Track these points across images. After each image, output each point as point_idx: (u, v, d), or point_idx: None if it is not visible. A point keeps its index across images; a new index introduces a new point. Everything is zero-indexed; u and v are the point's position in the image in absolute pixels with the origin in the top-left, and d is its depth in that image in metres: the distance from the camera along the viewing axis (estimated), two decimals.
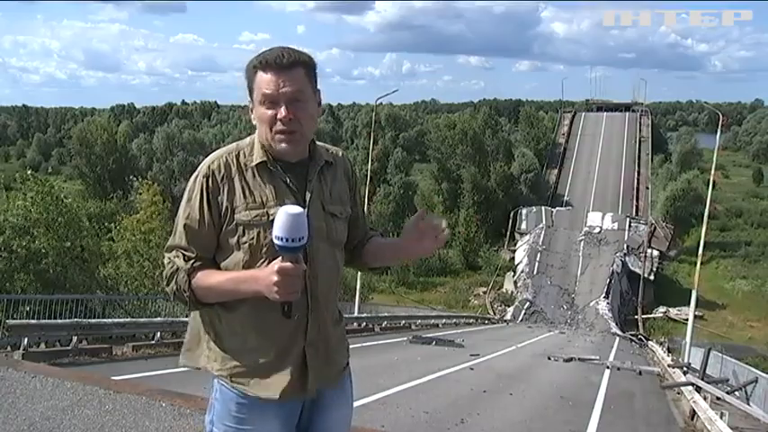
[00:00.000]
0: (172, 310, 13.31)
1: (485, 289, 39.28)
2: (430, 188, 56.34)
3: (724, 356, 15.78)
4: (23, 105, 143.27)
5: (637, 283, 37.81)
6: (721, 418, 8.23)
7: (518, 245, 43.98)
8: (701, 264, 24.29)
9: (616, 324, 32.25)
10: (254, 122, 1.64)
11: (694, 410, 9.43)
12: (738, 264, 43.07)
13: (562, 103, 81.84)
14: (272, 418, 1.65)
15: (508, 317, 33.38)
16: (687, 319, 23.93)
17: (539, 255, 40.22)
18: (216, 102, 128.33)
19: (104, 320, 10.54)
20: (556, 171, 57.35)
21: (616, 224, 43.36)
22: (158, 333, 10.44)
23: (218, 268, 1.63)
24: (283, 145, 1.60)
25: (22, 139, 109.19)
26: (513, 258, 42.71)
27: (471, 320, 28.86)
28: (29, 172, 16.62)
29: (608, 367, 14.60)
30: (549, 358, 15.73)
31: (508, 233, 46.14)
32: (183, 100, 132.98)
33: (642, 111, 69.44)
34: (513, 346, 17.77)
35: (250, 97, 1.62)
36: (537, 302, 35.23)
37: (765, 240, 47.33)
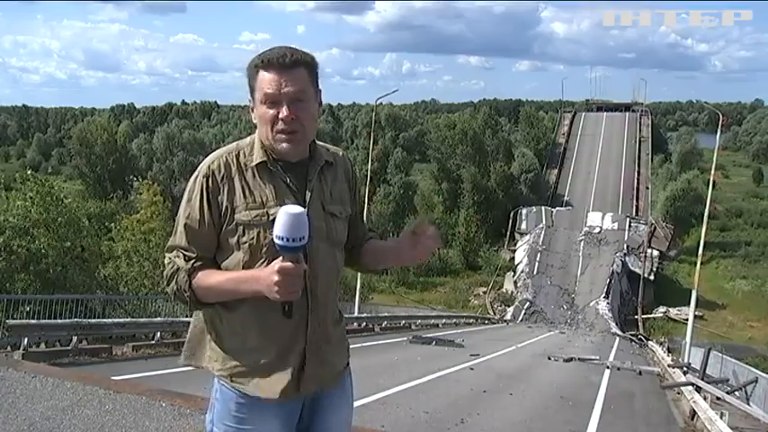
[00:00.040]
0: (172, 310, 13.31)
1: (485, 289, 39.28)
2: (430, 188, 56.34)
3: (724, 356, 15.78)
4: (23, 105, 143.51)
5: (637, 283, 37.81)
6: (721, 418, 8.23)
7: (518, 245, 43.99)
8: (701, 264, 24.28)
9: (616, 324, 32.25)
10: (254, 122, 1.64)
11: (694, 410, 9.43)
12: (738, 264, 43.07)
13: (562, 103, 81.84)
14: (272, 417, 1.65)
15: (508, 317, 33.38)
16: (687, 319, 23.92)
17: (539, 255, 40.22)
18: (216, 102, 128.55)
19: (104, 320, 10.53)
20: (556, 171, 57.36)
21: (616, 224, 43.36)
22: (158, 333, 10.44)
23: (219, 268, 1.63)
24: (284, 145, 1.60)
25: (22, 139, 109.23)
26: (513, 258, 42.71)
27: (471, 320, 28.86)
28: (29, 172, 16.62)
29: (608, 367, 14.60)
30: (549, 358, 15.73)
31: (508, 233, 46.14)
32: (183, 100, 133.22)
33: (642, 111, 69.43)
34: (513, 346, 17.77)
35: (251, 96, 1.62)
36: (537, 302, 35.23)
37: (765, 240, 47.32)
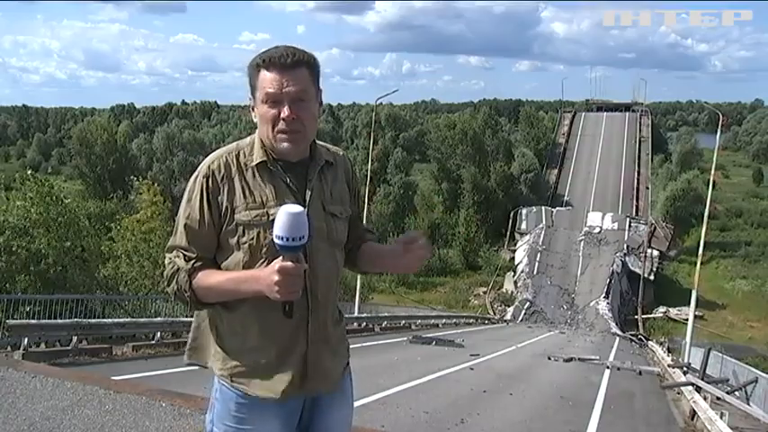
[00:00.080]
0: (172, 310, 13.32)
1: (485, 289, 39.28)
2: (430, 188, 56.34)
3: (724, 356, 15.78)
4: (23, 105, 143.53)
5: (637, 283, 37.81)
6: (721, 418, 8.23)
7: (518, 245, 43.99)
8: (701, 264, 24.28)
9: (616, 324, 32.25)
10: (255, 121, 1.63)
11: (694, 410, 9.43)
12: (738, 264, 43.07)
13: (562, 103, 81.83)
14: (272, 417, 1.65)
15: (508, 317, 33.38)
16: (687, 319, 23.92)
17: (539, 255, 40.22)
18: (216, 102, 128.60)
19: (104, 320, 10.53)
20: (556, 171, 57.36)
21: (616, 224, 43.36)
22: (158, 333, 10.44)
23: (219, 268, 1.63)
24: (285, 144, 1.60)
25: (22, 139, 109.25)
26: (513, 258, 42.71)
27: (471, 320, 28.86)
28: (29, 172, 16.62)
29: (608, 367, 14.60)
30: (549, 358, 15.73)
31: (508, 233, 46.13)
32: (183, 100, 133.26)
33: (642, 111, 69.43)
34: (513, 346, 17.77)
35: (252, 96, 1.62)
36: (537, 302, 35.23)
37: (765, 240, 47.32)
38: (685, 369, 14.43)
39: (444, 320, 25.63)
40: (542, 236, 42.44)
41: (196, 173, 1.64)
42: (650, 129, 64.65)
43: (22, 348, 8.22)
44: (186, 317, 11.33)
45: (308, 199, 1.62)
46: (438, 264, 43.23)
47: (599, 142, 62.10)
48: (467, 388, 9.81)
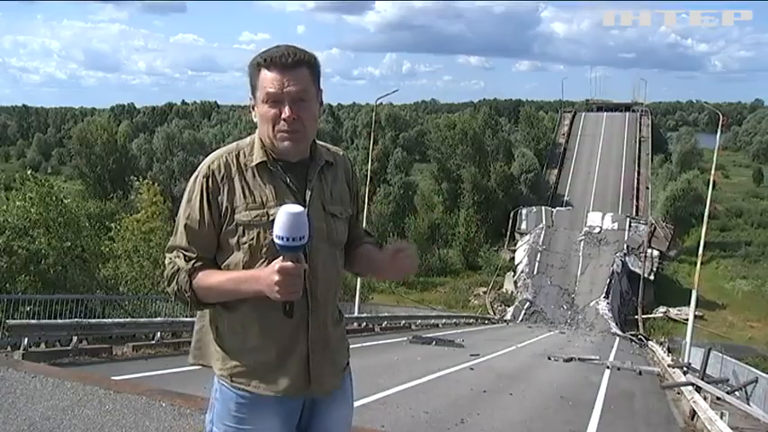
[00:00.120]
0: (172, 310, 13.32)
1: (485, 289, 39.28)
2: (430, 188, 56.35)
3: (724, 356, 15.78)
4: (23, 105, 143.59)
5: (637, 283, 37.81)
6: (721, 418, 8.23)
7: (518, 245, 43.99)
8: (701, 264, 24.27)
9: (616, 324, 32.25)
10: (255, 120, 1.63)
11: (694, 410, 9.43)
12: (738, 264, 43.08)
13: (562, 103, 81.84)
14: (272, 417, 1.65)
15: (508, 317, 33.38)
16: (687, 319, 23.92)
17: (539, 255, 40.22)
18: (216, 102, 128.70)
19: (104, 320, 10.52)
20: (556, 171, 57.36)
21: (616, 224, 43.36)
22: (158, 333, 10.43)
23: (220, 268, 1.62)
24: (286, 144, 1.60)
25: (22, 139, 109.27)
26: (513, 258, 42.72)
27: (471, 320, 28.86)
28: (29, 172, 16.62)
29: (608, 367, 14.60)
30: (549, 358, 15.73)
31: (508, 233, 46.14)
32: (183, 100, 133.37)
33: (642, 111, 69.44)
34: (513, 346, 17.77)
35: (252, 95, 1.62)
36: (537, 302, 35.23)
37: (765, 240, 47.33)
38: (685, 369, 14.43)
39: (444, 320, 25.63)
40: (542, 236, 42.45)
41: (196, 173, 1.64)
42: (650, 129, 64.66)
43: (22, 348, 8.22)
44: (186, 317, 11.33)
45: (308, 199, 1.62)
46: (438, 264, 43.29)
47: (599, 142, 62.10)
48: (467, 388, 9.81)
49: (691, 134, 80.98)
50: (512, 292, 38.02)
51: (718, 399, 10.75)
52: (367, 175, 30.78)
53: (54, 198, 15.43)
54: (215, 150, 1.70)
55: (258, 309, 1.59)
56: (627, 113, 70.31)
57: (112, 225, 18.83)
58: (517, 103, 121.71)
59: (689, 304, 24.04)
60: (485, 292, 38.71)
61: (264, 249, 1.58)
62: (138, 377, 7.04)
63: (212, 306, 1.64)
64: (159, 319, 11.89)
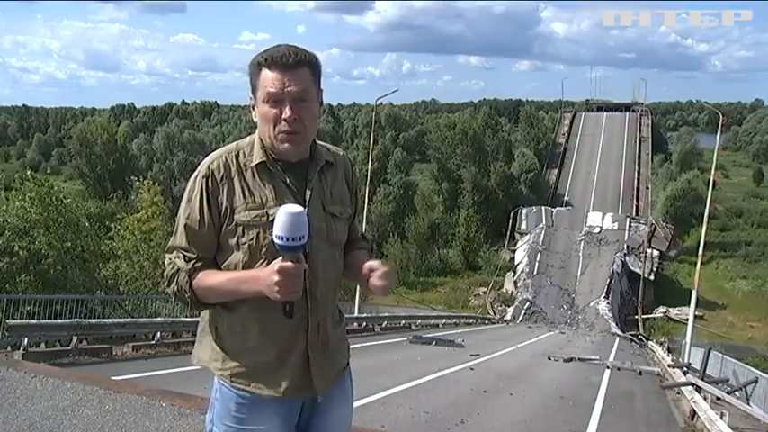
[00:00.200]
0: (172, 310, 13.31)
1: (485, 289, 39.27)
2: (430, 188, 56.37)
3: (724, 356, 15.77)
4: (23, 105, 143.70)
5: (637, 283, 37.79)
6: (721, 418, 8.22)
7: (518, 245, 43.98)
8: (701, 264, 24.26)
9: (616, 324, 32.24)
10: (255, 120, 1.63)
11: (694, 410, 9.43)
12: (738, 264, 43.08)
13: (562, 103, 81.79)
14: (271, 417, 1.65)
15: (508, 317, 33.37)
16: (687, 319, 23.90)
17: (539, 255, 40.20)
18: (216, 102, 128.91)
19: (104, 320, 10.52)
20: (556, 171, 57.35)
21: (616, 224, 43.35)
22: (158, 333, 10.43)
23: (219, 269, 1.62)
24: (286, 145, 1.59)
25: (22, 139, 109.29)
26: (513, 258, 42.71)
27: (471, 320, 28.85)
28: (28, 173, 16.61)
29: (608, 367, 14.59)
30: (549, 358, 15.72)
31: (508, 233, 46.13)
32: (183, 100, 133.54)
33: (642, 111, 69.43)
34: (513, 346, 17.76)
35: (252, 95, 1.61)
36: (537, 302, 35.22)
37: (765, 240, 47.33)
38: (685, 369, 14.41)
39: (444, 320, 25.63)
40: (542, 236, 42.43)
41: (196, 173, 1.64)
42: (650, 129, 64.65)
43: (22, 348, 8.22)
44: (186, 317, 11.34)
45: (307, 199, 1.62)
46: (438, 264, 43.29)
47: (599, 142, 62.09)
48: (467, 388, 9.81)
49: (691, 134, 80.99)
50: (512, 292, 38.01)
51: (718, 399, 10.74)
52: (367, 175, 30.76)
53: (54, 198, 15.42)
54: (215, 150, 1.70)
55: (258, 309, 1.59)
56: (627, 113, 70.29)
57: (112, 225, 18.84)
58: (517, 103, 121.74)
59: (689, 304, 24.02)
60: (485, 292, 38.70)
61: (264, 249, 1.58)
62: (138, 377, 7.04)
63: (212, 306, 1.64)
64: (159, 319, 11.88)
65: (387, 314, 22.49)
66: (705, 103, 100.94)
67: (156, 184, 22.19)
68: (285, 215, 1.43)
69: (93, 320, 9.97)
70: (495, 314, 34.47)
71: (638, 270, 38.69)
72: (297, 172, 1.64)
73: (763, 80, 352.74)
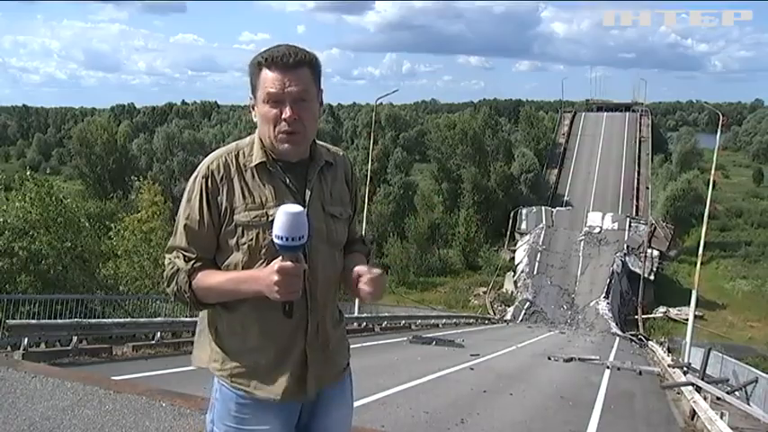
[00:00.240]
0: (172, 310, 13.31)
1: (485, 289, 39.26)
2: (430, 188, 56.35)
3: (724, 356, 15.77)
4: (23, 105, 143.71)
5: (637, 283, 37.79)
6: (721, 418, 8.22)
7: (518, 245, 43.97)
8: (701, 264, 24.27)
9: (616, 324, 32.23)
10: (254, 120, 1.63)
11: (694, 410, 9.43)
12: (738, 264, 43.07)
13: (562, 103, 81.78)
14: (271, 417, 1.65)
15: (508, 317, 33.37)
16: (687, 319, 23.92)
17: (539, 255, 40.20)
18: (216, 102, 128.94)
19: (104, 320, 10.52)
20: (556, 171, 57.33)
21: (616, 224, 43.35)
22: (158, 333, 10.43)
23: (219, 269, 1.62)
24: (286, 145, 1.59)
25: (22, 139, 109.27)
26: (513, 258, 42.69)
27: (471, 320, 28.85)
28: (27, 173, 16.61)
29: (608, 367, 14.59)
30: (549, 358, 15.72)
31: (508, 233, 46.12)
32: (183, 100, 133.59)
33: (642, 111, 69.40)
34: (513, 346, 17.76)
35: (252, 95, 1.61)
36: (537, 302, 35.21)
37: (765, 240, 47.32)
38: (685, 369, 14.41)
39: (444, 320, 25.63)
40: (542, 236, 42.43)
41: (195, 173, 1.63)
42: (650, 129, 64.63)
43: (22, 348, 8.21)
44: (186, 317, 11.33)
45: (307, 199, 1.62)
46: (438, 264, 43.27)
47: (599, 142, 62.07)
48: (467, 388, 9.81)
49: (691, 134, 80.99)
50: (512, 292, 38.00)
51: (718, 399, 10.74)
52: (367, 175, 30.78)
53: (54, 198, 15.42)
54: (215, 150, 1.69)
55: (258, 309, 1.59)
56: (627, 113, 70.27)
57: (112, 225, 18.83)
58: (517, 103, 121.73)
59: (689, 304, 24.04)
60: (485, 292, 38.69)
61: (264, 250, 1.57)
62: (138, 377, 7.04)
63: (212, 306, 1.64)
64: (159, 319, 11.88)
65: (387, 314, 22.48)
66: (705, 103, 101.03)
67: (156, 184, 22.20)
68: (284, 215, 1.43)
69: (93, 320, 9.98)
70: (495, 314, 34.46)
71: (638, 270, 38.69)
72: (297, 172, 1.64)
73: (763, 80, 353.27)
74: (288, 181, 1.62)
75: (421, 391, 8.98)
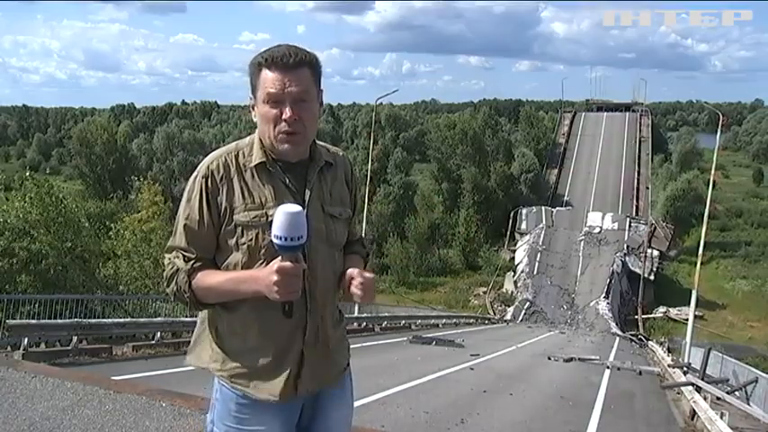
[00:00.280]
0: (172, 310, 13.31)
1: (485, 289, 39.26)
2: (430, 188, 56.35)
3: (724, 356, 15.77)
4: (23, 105, 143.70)
5: (637, 283, 37.78)
6: (721, 418, 8.22)
7: (518, 245, 43.97)
8: (701, 264, 24.26)
9: (616, 324, 32.23)
10: (254, 120, 1.63)
11: (694, 410, 9.43)
12: (738, 264, 43.06)
13: (562, 103, 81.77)
14: (272, 418, 1.65)
15: (508, 317, 33.37)
16: (687, 319, 23.91)
17: (539, 255, 40.20)
18: (216, 102, 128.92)
19: (104, 320, 10.52)
20: (556, 171, 57.33)
21: (616, 224, 43.35)
22: (158, 333, 10.43)
23: (219, 269, 1.62)
24: (286, 146, 1.59)
25: (22, 139, 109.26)
26: (513, 258, 42.69)
27: (471, 320, 28.85)
28: (27, 173, 16.61)
29: (608, 367, 14.59)
30: (549, 358, 15.72)
31: (508, 233, 46.12)
32: (183, 100, 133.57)
33: (642, 111, 69.41)
34: (513, 346, 17.76)
35: (252, 95, 1.61)
36: (537, 302, 35.21)
37: (765, 240, 47.31)
38: (685, 369, 14.41)
39: (444, 320, 25.62)
40: (542, 236, 42.43)
41: (195, 173, 1.63)
42: (650, 129, 64.64)
43: (22, 348, 8.21)
44: (186, 317, 11.33)
45: (307, 200, 1.62)
46: (438, 264, 43.27)
47: (599, 142, 62.08)
48: (467, 388, 9.81)
49: (691, 134, 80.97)
50: (512, 292, 38.00)
51: (718, 399, 10.74)
52: (367, 175, 30.77)
53: (54, 198, 15.42)
54: (215, 150, 1.69)
55: (257, 309, 1.59)
56: (627, 113, 70.28)
57: (112, 225, 18.83)
58: (517, 103, 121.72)
59: (689, 304, 24.03)
60: (485, 292, 38.69)
61: (263, 250, 1.57)
62: (138, 377, 7.04)
63: (212, 306, 1.64)
64: (159, 319, 11.88)
65: (387, 314, 22.46)
66: (705, 103, 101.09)
67: (157, 184, 22.20)
68: (284, 215, 1.43)
69: (93, 320, 9.98)
70: (495, 314, 34.46)
71: (638, 270, 38.68)
72: (296, 172, 1.64)
73: (763, 80, 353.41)
74: (287, 181, 1.62)
75: (421, 391, 8.98)
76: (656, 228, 44.15)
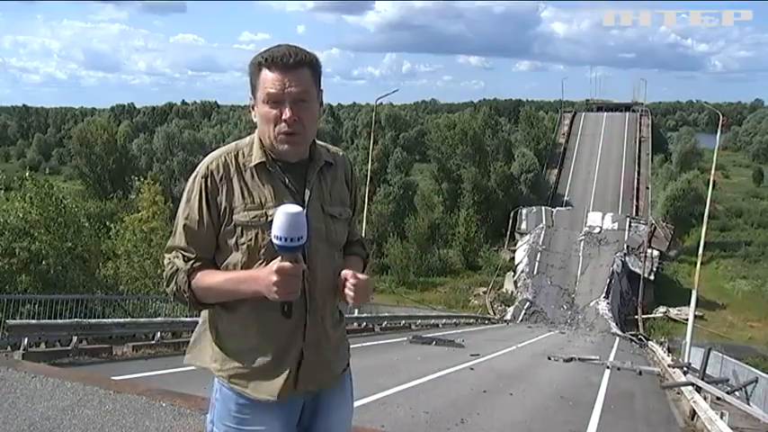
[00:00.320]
0: (172, 310, 13.31)
1: (485, 289, 39.26)
2: (430, 188, 56.34)
3: (724, 356, 15.78)
4: (23, 105, 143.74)
5: (637, 283, 37.78)
6: (721, 418, 8.22)
7: (518, 245, 43.97)
8: (701, 264, 24.29)
9: (616, 324, 32.23)
10: (254, 120, 1.63)
11: (694, 410, 9.43)
12: (738, 264, 43.05)
13: (562, 103, 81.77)
14: (271, 418, 1.65)
15: (508, 317, 33.36)
16: (687, 319, 23.93)
17: (539, 255, 40.20)
18: (216, 102, 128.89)
19: (104, 320, 10.52)
20: (556, 171, 57.33)
21: (616, 224, 43.35)
22: (158, 333, 10.43)
23: (218, 269, 1.62)
24: (286, 146, 1.59)
25: (22, 139, 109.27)
26: (513, 258, 42.69)
27: (471, 320, 28.84)
28: (27, 173, 16.61)
29: (608, 367, 14.59)
30: (549, 358, 15.72)
31: (508, 233, 46.12)
32: (183, 100, 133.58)
33: (642, 111, 69.42)
34: (513, 346, 17.76)
35: (252, 95, 1.61)
36: (537, 302, 35.21)
37: (765, 240, 47.30)
38: (685, 369, 14.41)
39: (444, 320, 25.61)
40: (542, 236, 42.43)
41: (195, 173, 1.63)
42: (650, 129, 64.64)
43: (22, 348, 8.22)
44: (186, 317, 11.34)
45: (306, 200, 1.61)
46: (438, 264, 43.26)
47: (599, 142, 62.08)
48: (467, 388, 9.81)
49: (691, 134, 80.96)
50: (512, 292, 38.00)
51: (718, 399, 10.74)
52: (367, 175, 30.79)
53: (54, 198, 15.42)
54: (215, 150, 1.69)
55: (256, 309, 1.59)
56: (627, 113, 70.29)
57: (112, 225, 18.83)
58: (517, 103, 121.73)
59: (689, 304, 24.05)
60: (485, 292, 38.68)
61: (263, 251, 1.57)
62: (138, 377, 7.05)
63: (211, 306, 1.64)
64: (159, 319, 11.88)
65: (387, 314, 22.47)
66: (705, 103, 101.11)
67: (157, 184, 22.19)
68: (283, 215, 1.43)
69: (93, 320, 9.98)
70: (495, 314, 34.45)
71: (638, 270, 38.68)
72: (296, 172, 1.64)
73: (763, 80, 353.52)
74: (287, 181, 1.62)
75: (421, 391, 8.98)
76: (656, 228, 44.15)
